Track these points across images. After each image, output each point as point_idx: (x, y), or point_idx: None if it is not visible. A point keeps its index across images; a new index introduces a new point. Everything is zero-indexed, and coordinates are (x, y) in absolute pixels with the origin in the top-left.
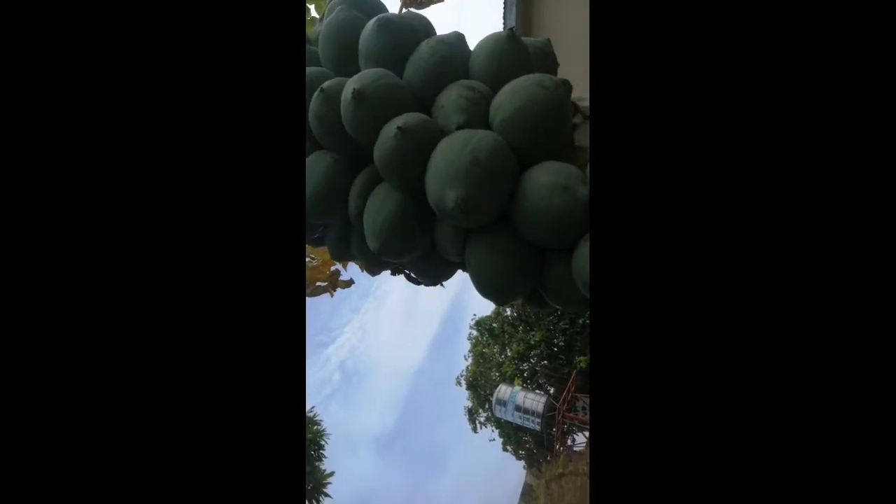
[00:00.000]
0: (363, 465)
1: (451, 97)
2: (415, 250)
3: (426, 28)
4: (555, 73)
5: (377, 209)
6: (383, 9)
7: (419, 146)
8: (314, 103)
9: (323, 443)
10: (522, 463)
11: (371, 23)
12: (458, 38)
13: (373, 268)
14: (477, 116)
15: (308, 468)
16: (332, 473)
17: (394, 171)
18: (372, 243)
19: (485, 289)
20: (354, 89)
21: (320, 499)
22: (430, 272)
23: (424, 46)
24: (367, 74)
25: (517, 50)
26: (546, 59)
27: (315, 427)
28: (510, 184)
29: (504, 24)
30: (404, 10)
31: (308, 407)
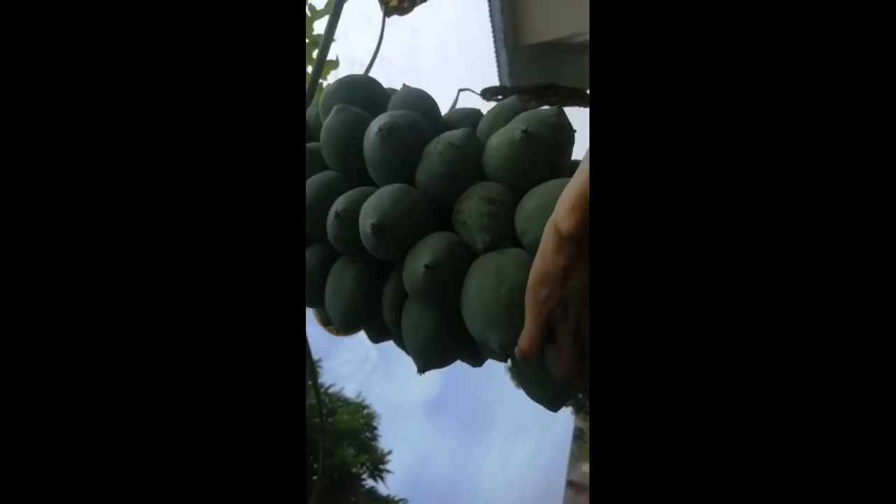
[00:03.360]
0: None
1: (472, 213)
2: (456, 359)
3: (430, 115)
4: (572, 142)
5: (415, 328)
6: (379, 92)
7: (451, 277)
8: (330, 225)
9: (375, 424)
10: (571, 409)
11: (373, 131)
12: (467, 137)
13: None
14: (502, 233)
15: (367, 453)
16: (389, 452)
17: (428, 300)
18: (414, 361)
19: (537, 399)
20: (372, 224)
21: (383, 476)
22: (478, 359)
23: (433, 153)
24: (383, 202)
25: (533, 153)
26: (563, 134)
27: (365, 411)
28: None
29: (491, 23)
30: (403, 86)
31: (356, 392)
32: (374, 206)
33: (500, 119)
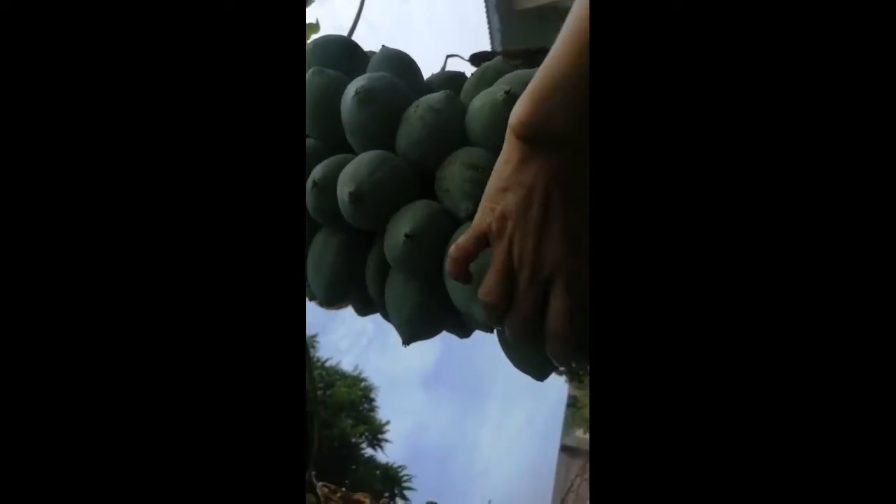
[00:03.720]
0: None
1: (455, 180)
2: (442, 330)
3: (411, 79)
4: None
5: (398, 300)
6: (357, 54)
7: (433, 246)
8: (308, 195)
9: (373, 396)
10: (563, 378)
11: (350, 95)
12: (448, 100)
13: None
14: None
15: (365, 424)
16: (387, 422)
17: (410, 271)
18: (400, 333)
19: (524, 369)
20: (350, 193)
21: (382, 445)
22: (464, 330)
23: (413, 117)
24: (361, 169)
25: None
26: None
27: (363, 384)
28: None
29: (486, 9)
30: (382, 47)
31: (353, 366)
32: (351, 173)
33: (484, 81)
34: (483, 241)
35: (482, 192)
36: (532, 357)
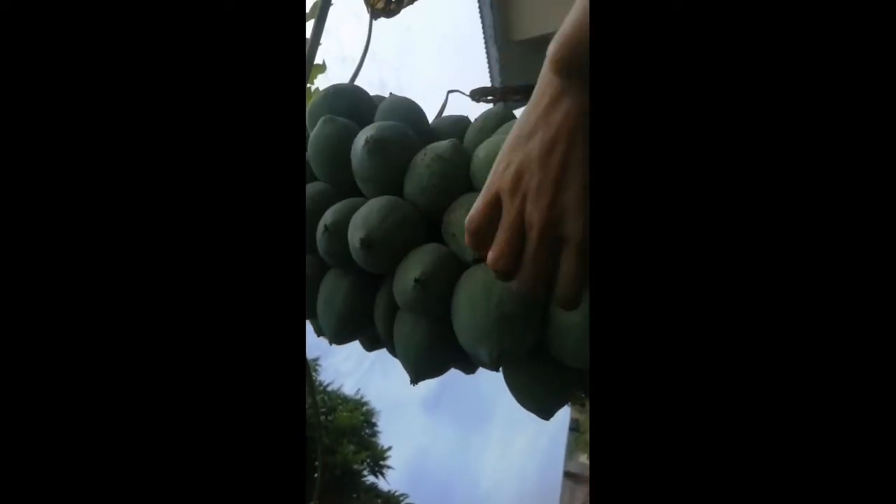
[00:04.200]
0: (415, 428)
1: (461, 226)
2: (449, 368)
3: (418, 127)
4: None
5: (407, 340)
6: (365, 101)
7: (441, 289)
8: (320, 239)
9: (374, 421)
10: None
11: (360, 143)
12: (453, 149)
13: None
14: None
15: (367, 450)
16: (389, 448)
17: (419, 313)
18: (408, 372)
19: (529, 409)
20: (361, 239)
21: (384, 472)
22: (470, 367)
23: (421, 165)
24: (371, 216)
25: None
26: None
27: (364, 408)
28: (540, 317)
29: (481, 19)
30: (390, 95)
31: (354, 390)
32: (362, 219)
33: (486, 128)
34: (496, 204)
35: None
36: (538, 398)
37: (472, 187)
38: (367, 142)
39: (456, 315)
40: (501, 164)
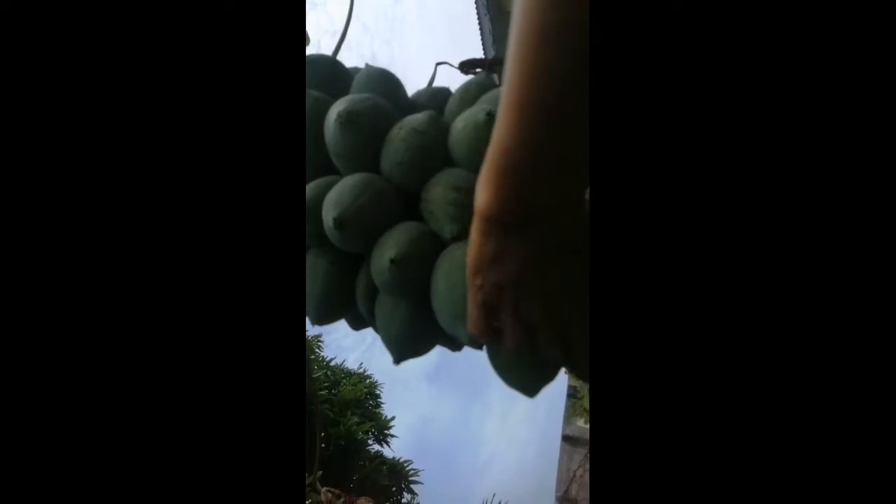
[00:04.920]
0: (418, 398)
1: (439, 202)
2: (433, 347)
3: (396, 97)
4: None
5: (388, 320)
6: (342, 73)
7: (418, 268)
8: None
9: (378, 392)
10: (564, 369)
11: (332, 118)
12: (430, 121)
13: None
14: (469, 221)
15: (371, 420)
16: (393, 417)
17: (397, 294)
18: (390, 352)
19: (514, 387)
20: (334, 219)
21: (388, 440)
22: (456, 345)
23: (396, 139)
24: (344, 194)
25: None
26: None
27: (368, 381)
28: None
29: (477, 10)
30: (365, 66)
31: (357, 364)
32: (335, 198)
33: (467, 98)
34: (490, 311)
35: (466, 214)
36: (522, 377)
37: (451, 161)
38: (338, 116)
39: (434, 295)
40: (475, 283)
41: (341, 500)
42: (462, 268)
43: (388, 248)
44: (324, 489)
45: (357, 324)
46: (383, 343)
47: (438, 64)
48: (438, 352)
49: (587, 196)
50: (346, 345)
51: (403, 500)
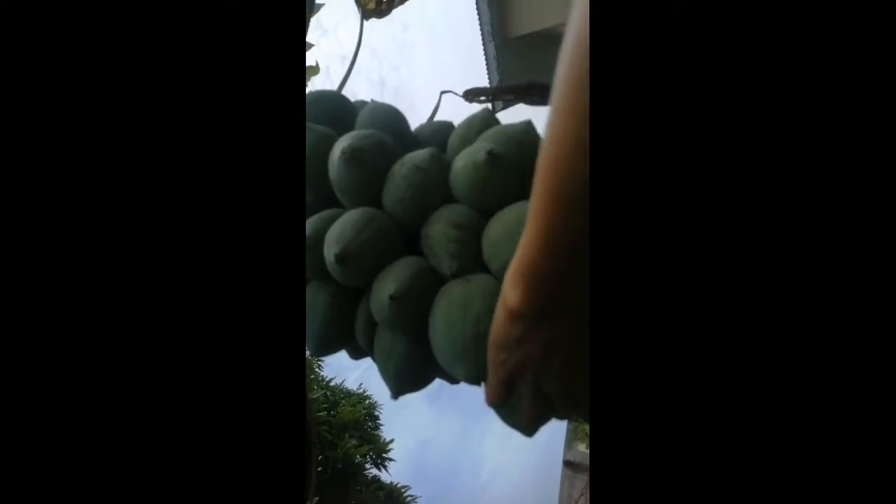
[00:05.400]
0: (417, 419)
1: (439, 239)
2: (431, 382)
3: (398, 135)
4: None
5: (386, 355)
6: (347, 109)
7: (418, 304)
8: None
9: (377, 414)
10: None
11: (336, 154)
12: (431, 158)
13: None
14: (470, 259)
15: (369, 443)
16: (391, 440)
17: (396, 329)
18: (389, 388)
19: (513, 427)
20: (336, 255)
21: (386, 465)
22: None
23: (398, 176)
24: (346, 230)
25: (498, 174)
26: (533, 150)
27: (367, 401)
28: None
29: (478, 15)
30: (371, 101)
31: (357, 384)
32: (337, 233)
33: (470, 134)
34: (508, 383)
35: (466, 251)
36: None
37: (452, 197)
38: (343, 152)
39: (433, 333)
40: (498, 357)
41: None
42: (460, 305)
43: (388, 284)
44: None
45: (356, 354)
46: (381, 377)
47: (443, 93)
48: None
49: None
50: (347, 364)
51: None
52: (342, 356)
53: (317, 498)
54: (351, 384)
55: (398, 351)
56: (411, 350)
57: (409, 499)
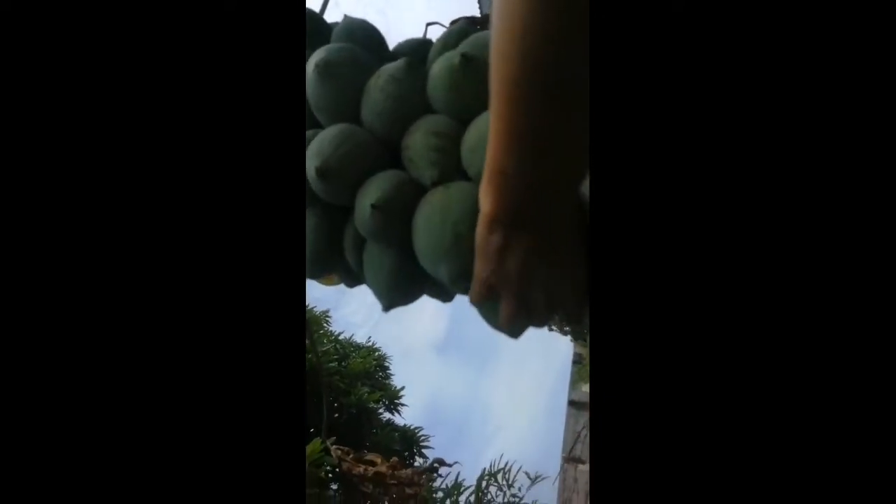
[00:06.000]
0: (427, 370)
1: (418, 149)
2: (421, 294)
3: (375, 50)
4: None
5: (376, 268)
6: (321, 26)
7: (401, 214)
8: None
9: (387, 364)
10: (568, 337)
11: (311, 70)
12: (408, 68)
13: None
14: (449, 167)
15: (380, 391)
16: (402, 388)
17: (381, 241)
18: (379, 300)
19: (500, 330)
20: (316, 168)
21: (399, 409)
22: (446, 294)
23: (375, 88)
24: (325, 144)
25: (474, 75)
26: None
27: (377, 353)
28: None
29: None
30: (344, 17)
31: (365, 338)
32: (316, 148)
33: (449, 43)
34: (491, 293)
35: (446, 159)
36: None
37: (431, 109)
38: (316, 66)
39: (415, 239)
40: (481, 269)
41: (350, 456)
42: (440, 211)
43: (370, 194)
44: (334, 447)
45: (350, 279)
46: (372, 292)
47: (429, 24)
48: (447, 323)
49: (584, 189)
50: (356, 320)
51: (416, 464)
52: (350, 313)
53: (333, 437)
54: (360, 339)
55: (387, 263)
56: (399, 261)
57: (422, 438)
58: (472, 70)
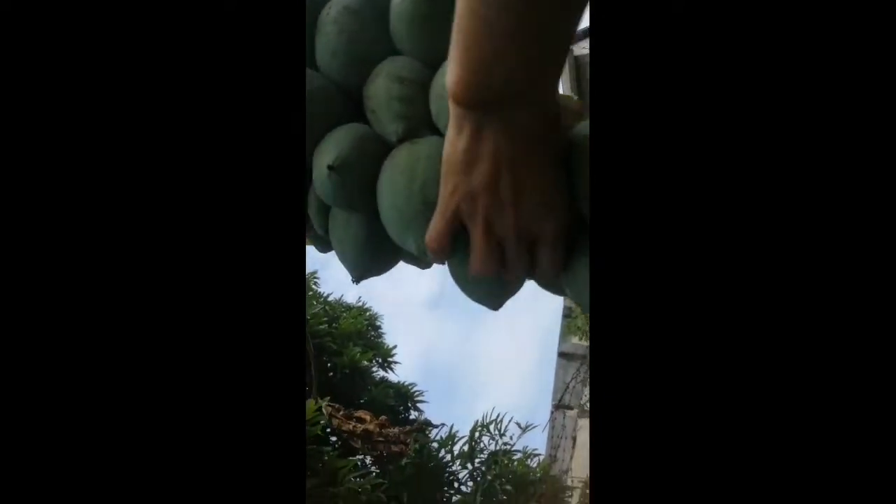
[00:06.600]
0: (419, 327)
1: (380, 98)
2: (395, 263)
3: None
4: None
5: (342, 236)
6: None
7: (363, 176)
8: None
9: (378, 323)
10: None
11: None
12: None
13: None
14: (417, 119)
15: (373, 350)
16: (394, 346)
17: (342, 206)
18: (350, 273)
19: (477, 300)
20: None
21: (392, 367)
22: (423, 262)
23: (327, 22)
24: None
25: (440, 11)
26: None
27: (367, 313)
28: None
29: None
30: None
31: (355, 298)
32: None
33: None
34: (455, 222)
35: (412, 109)
36: (487, 290)
37: (394, 49)
38: None
39: (380, 205)
40: (447, 187)
41: (340, 413)
42: (404, 171)
43: (327, 154)
44: (325, 404)
45: (319, 244)
46: (340, 261)
47: None
48: (439, 281)
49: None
50: (344, 280)
51: (411, 418)
52: (337, 273)
53: (328, 397)
54: (350, 300)
55: (353, 231)
56: (367, 228)
57: (416, 393)
58: (442, 2)
